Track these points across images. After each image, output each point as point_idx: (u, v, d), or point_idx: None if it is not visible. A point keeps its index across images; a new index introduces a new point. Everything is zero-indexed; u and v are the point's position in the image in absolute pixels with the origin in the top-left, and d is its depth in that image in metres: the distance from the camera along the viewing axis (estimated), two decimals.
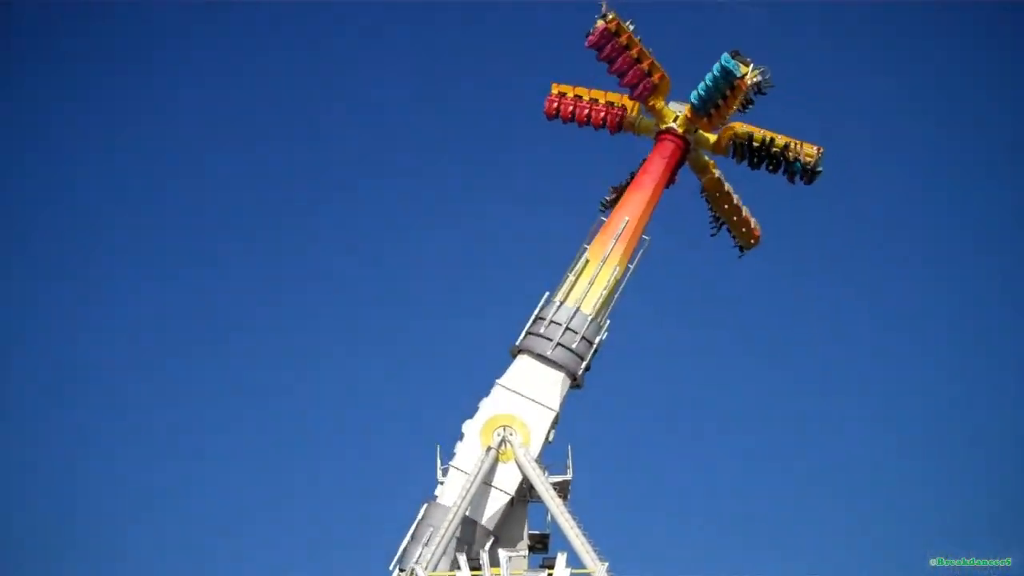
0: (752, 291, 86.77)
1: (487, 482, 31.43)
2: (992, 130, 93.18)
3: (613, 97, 39.77)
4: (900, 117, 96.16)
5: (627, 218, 36.32)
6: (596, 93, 40.07)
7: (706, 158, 39.49)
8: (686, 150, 38.39)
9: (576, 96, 40.20)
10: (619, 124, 39.70)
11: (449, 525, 29.96)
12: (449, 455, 32.53)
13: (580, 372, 33.85)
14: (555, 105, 40.23)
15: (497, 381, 33.23)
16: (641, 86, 37.05)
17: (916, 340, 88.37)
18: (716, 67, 35.45)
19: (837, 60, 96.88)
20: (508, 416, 32.30)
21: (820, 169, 38.27)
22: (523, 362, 33.65)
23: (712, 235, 41.46)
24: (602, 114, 39.66)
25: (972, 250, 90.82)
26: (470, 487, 30.46)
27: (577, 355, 33.90)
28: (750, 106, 37.64)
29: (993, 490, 72.78)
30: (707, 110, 37.24)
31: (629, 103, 39.24)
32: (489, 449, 31.39)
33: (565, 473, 33.06)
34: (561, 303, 34.49)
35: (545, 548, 32.70)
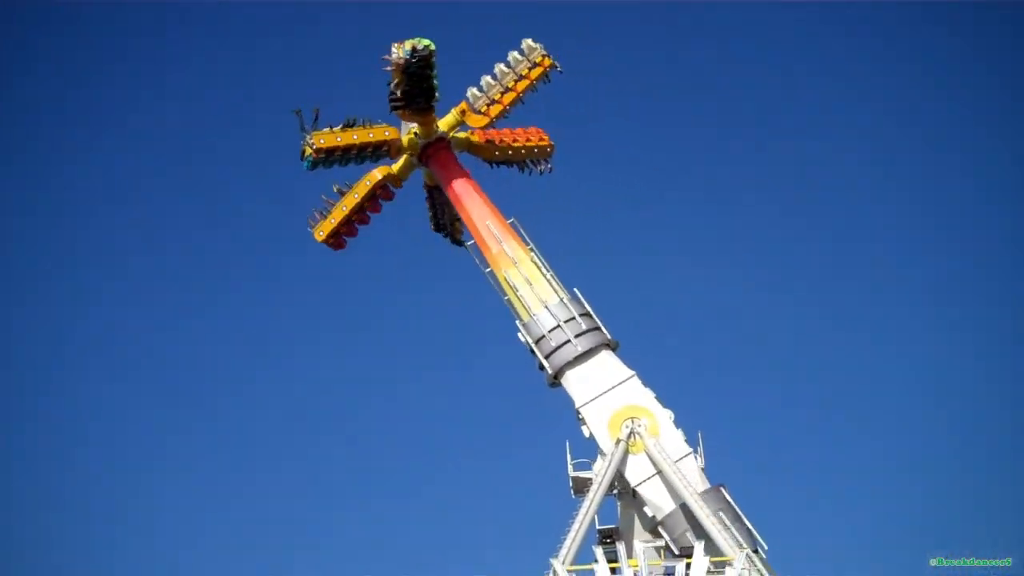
0: None
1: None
2: None
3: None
4: None
5: (487, 221, 36.10)
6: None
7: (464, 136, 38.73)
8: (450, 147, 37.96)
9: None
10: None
11: (584, 518, 30.21)
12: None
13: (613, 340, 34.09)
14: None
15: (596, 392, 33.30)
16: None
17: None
18: None
19: None
20: (633, 407, 32.28)
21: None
22: (583, 369, 33.54)
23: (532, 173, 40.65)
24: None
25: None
26: (601, 482, 30.63)
27: (597, 329, 33.94)
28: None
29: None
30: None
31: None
32: (619, 441, 31.46)
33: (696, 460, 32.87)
34: (534, 315, 34.30)
35: None
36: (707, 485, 31.29)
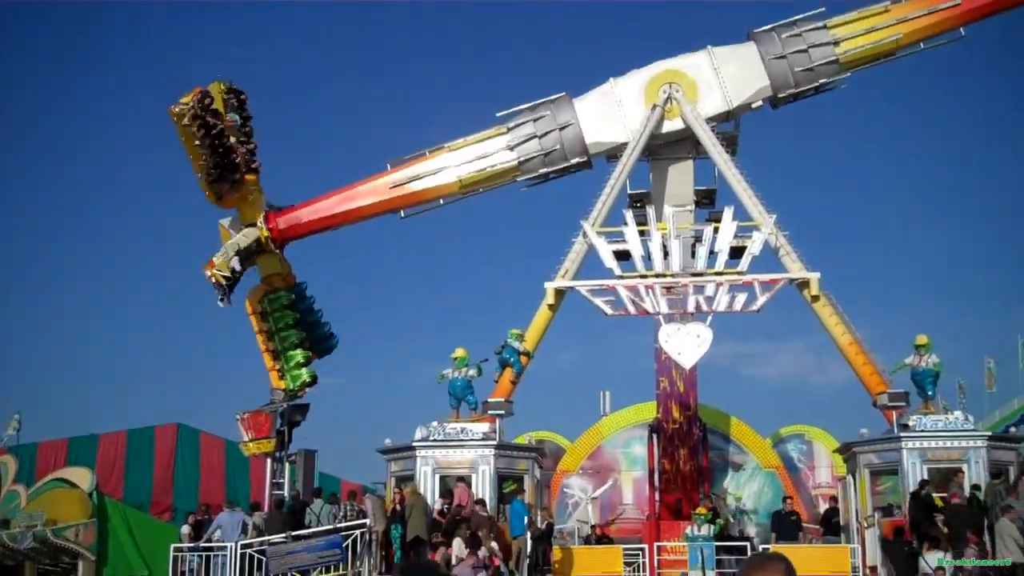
0: None
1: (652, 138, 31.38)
2: None
3: None
4: None
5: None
6: None
7: None
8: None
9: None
10: None
11: (616, 182, 30.35)
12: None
13: (783, 93, 30.65)
14: None
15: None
16: None
17: None
18: None
19: None
20: (674, 71, 31.61)
21: None
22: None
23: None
24: None
25: None
26: (636, 146, 30.51)
27: (795, 74, 30.41)
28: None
29: None
30: None
31: None
32: (655, 107, 31.06)
33: (733, 128, 32.59)
34: (824, 27, 30.47)
35: (712, 203, 32.87)
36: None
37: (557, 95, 31.87)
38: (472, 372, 26.10)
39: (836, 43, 30.89)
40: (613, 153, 31.93)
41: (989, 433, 24.73)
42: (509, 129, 31.45)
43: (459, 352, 26.62)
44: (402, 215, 32.12)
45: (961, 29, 31.12)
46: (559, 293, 28.51)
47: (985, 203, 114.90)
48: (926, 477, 22.56)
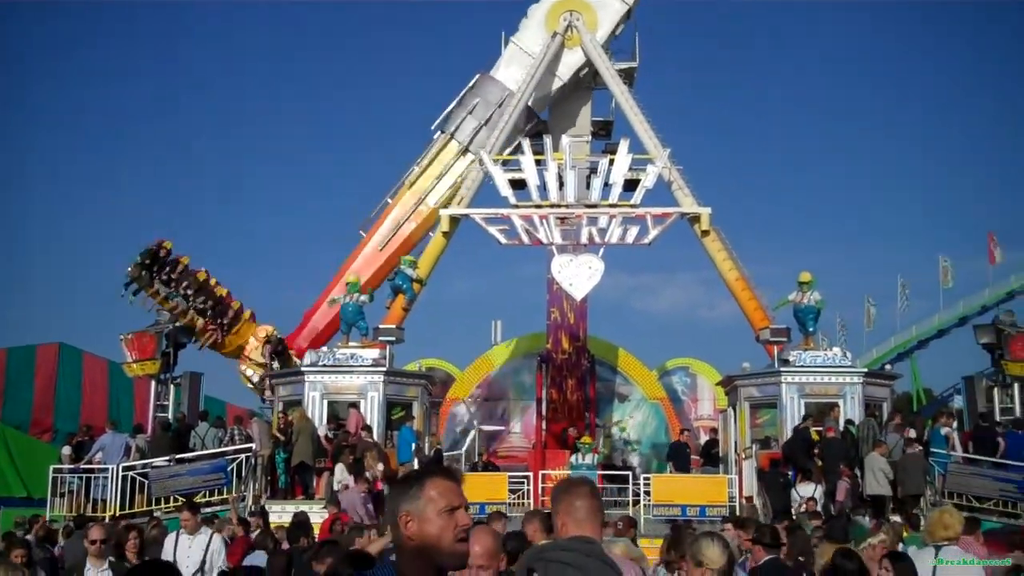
0: None
1: (550, 70, 31.34)
2: None
3: None
4: None
5: None
6: None
7: None
8: None
9: None
10: None
11: (514, 111, 30.23)
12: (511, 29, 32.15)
13: None
14: None
15: None
16: None
17: None
18: None
19: None
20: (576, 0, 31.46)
21: None
22: None
23: None
24: None
25: None
26: (535, 72, 30.40)
27: None
28: None
29: None
30: None
31: None
32: (555, 35, 30.94)
33: (632, 60, 32.66)
34: None
35: (608, 135, 33.03)
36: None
37: (472, 79, 31.62)
38: (364, 298, 25.92)
39: None
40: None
41: (865, 370, 25.47)
42: (452, 135, 31.14)
43: (351, 277, 26.38)
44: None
45: None
46: (454, 220, 28.42)
47: (875, 149, 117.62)
48: (804, 411, 23.21)
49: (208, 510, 19.27)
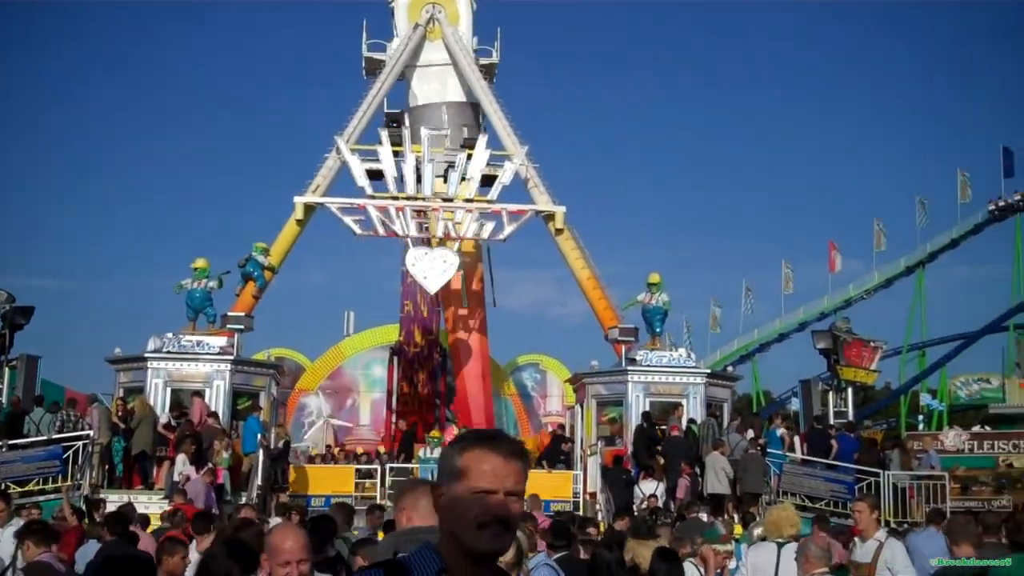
0: None
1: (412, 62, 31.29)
2: None
3: None
4: None
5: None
6: None
7: None
8: None
9: None
10: None
11: (373, 99, 30.02)
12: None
13: None
14: None
15: None
16: None
17: None
18: None
19: None
20: None
21: None
22: None
23: None
24: None
25: None
26: (395, 64, 30.25)
27: None
28: None
29: None
30: None
31: None
32: (416, 26, 30.82)
33: (491, 56, 32.78)
34: None
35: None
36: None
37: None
38: (212, 284, 25.33)
39: None
40: (372, 65, 31.60)
41: (708, 371, 26.15)
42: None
43: (200, 262, 25.79)
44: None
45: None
46: (308, 208, 28.07)
47: (726, 152, 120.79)
48: (647, 409, 23.67)
49: (42, 498, 18.60)
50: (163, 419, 22.50)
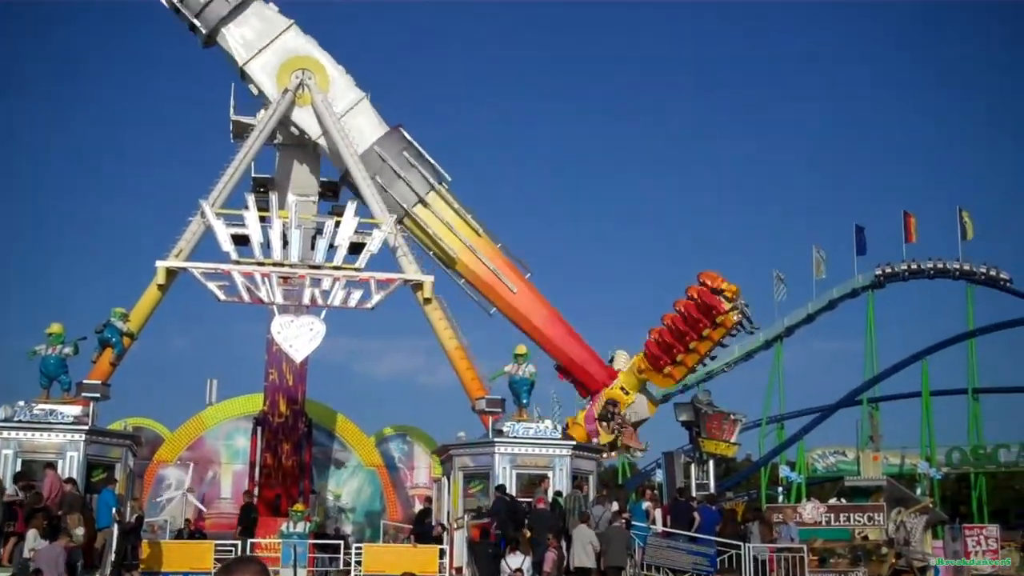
0: None
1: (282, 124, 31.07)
2: None
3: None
4: None
5: (515, 291, 31.14)
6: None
7: None
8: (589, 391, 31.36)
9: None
10: None
11: (240, 163, 29.60)
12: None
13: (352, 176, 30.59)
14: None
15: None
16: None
17: None
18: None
19: None
20: (303, 58, 31.25)
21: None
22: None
23: None
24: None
25: None
26: (263, 128, 29.93)
27: (375, 180, 30.55)
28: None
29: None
30: None
31: None
32: (286, 92, 30.58)
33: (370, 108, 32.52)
34: (432, 187, 31.30)
35: (335, 196, 32.78)
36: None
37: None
38: (68, 350, 24.45)
39: (422, 203, 31.21)
40: (240, 129, 31.27)
41: (574, 442, 26.23)
42: None
43: (55, 327, 24.87)
44: None
45: (493, 309, 31.53)
46: (171, 273, 27.41)
47: (623, 222, 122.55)
48: (502, 482, 23.49)
49: None
50: (9, 491, 21.44)
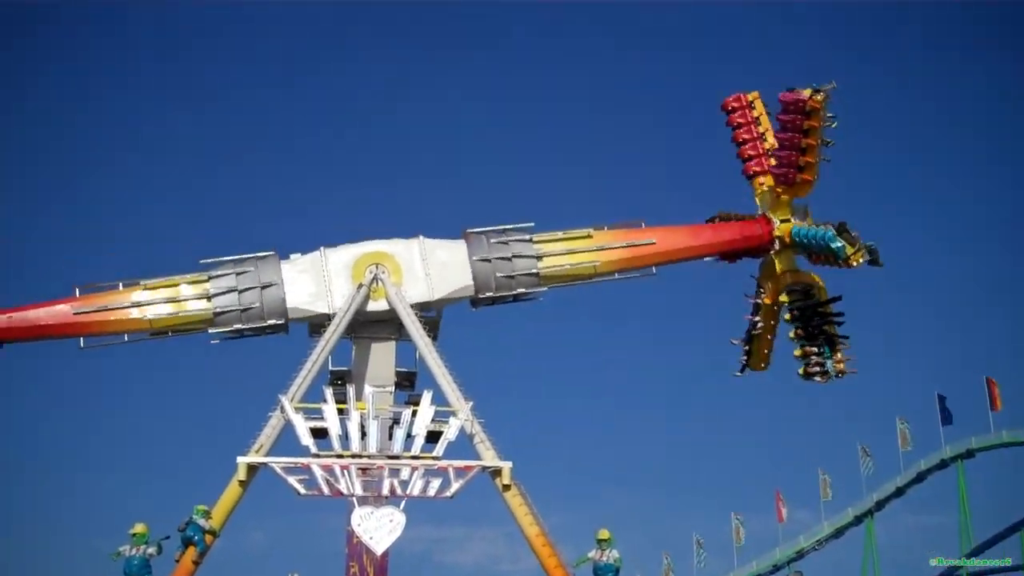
0: None
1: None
2: None
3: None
4: None
5: (654, 240, 33.21)
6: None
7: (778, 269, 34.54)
8: (762, 249, 34.50)
9: (755, 119, 34.76)
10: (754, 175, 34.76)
11: (318, 358, 30.04)
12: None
13: (484, 295, 31.89)
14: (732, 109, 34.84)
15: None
16: (788, 173, 32.81)
17: None
18: (825, 236, 32.30)
19: None
20: (383, 254, 32.06)
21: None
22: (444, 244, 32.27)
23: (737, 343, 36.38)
24: (755, 164, 34.66)
25: None
26: (340, 323, 30.48)
27: (497, 279, 31.82)
28: None
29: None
30: (800, 251, 34.05)
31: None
32: (360, 286, 31.27)
33: (434, 314, 33.15)
34: (531, 240, 32.38)
35: (412, 386, 33.07)
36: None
37: (265, 252, 31.67)
38: (151, 550, 24.55)
39: (539, 257, 32.54)
40: (316, 325, 31.80)
41: None
42: (210, 278, 30.89)
43: (138, 528, 25.04)
44: (81, 345, 30.43)
45: (654, 267, 33.63)
46: (251, 469, 27.56)
47: (669, 406, 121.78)
48: None
49: None
50: None
